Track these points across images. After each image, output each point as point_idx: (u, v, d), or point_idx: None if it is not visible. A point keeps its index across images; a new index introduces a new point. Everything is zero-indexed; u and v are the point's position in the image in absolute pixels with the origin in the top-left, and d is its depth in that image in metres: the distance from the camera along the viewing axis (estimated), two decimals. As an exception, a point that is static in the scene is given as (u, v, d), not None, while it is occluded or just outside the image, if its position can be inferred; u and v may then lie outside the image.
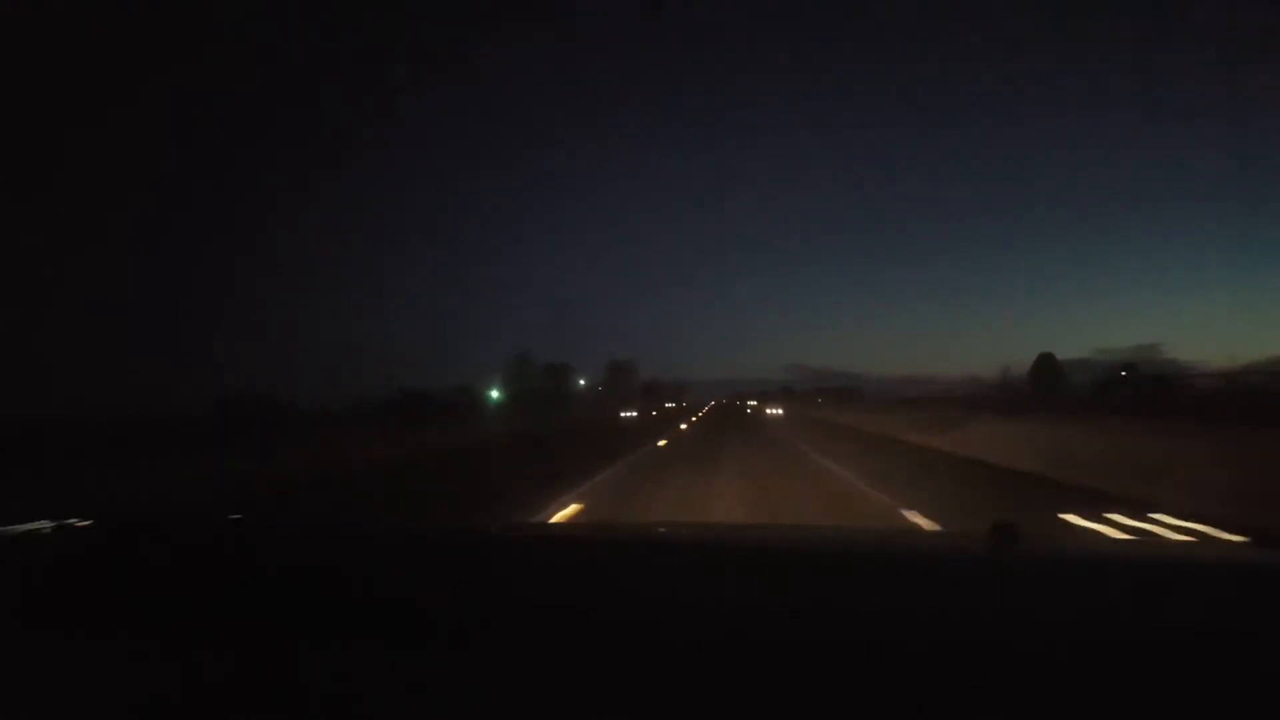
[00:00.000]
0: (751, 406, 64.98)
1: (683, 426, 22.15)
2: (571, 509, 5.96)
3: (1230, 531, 4.33)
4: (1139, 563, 0.92)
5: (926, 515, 5.04)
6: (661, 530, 1.46)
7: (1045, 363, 57.53)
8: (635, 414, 36.95)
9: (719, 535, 1.36)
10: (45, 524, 1.05)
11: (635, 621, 0.72)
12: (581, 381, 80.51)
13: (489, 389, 51.42)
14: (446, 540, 1.12)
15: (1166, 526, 4.61)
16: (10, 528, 1.05)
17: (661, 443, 14.39)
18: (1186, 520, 4.59)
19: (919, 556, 1.03)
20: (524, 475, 9.08)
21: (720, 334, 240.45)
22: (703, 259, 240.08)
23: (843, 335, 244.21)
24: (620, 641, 0.68)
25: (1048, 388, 51.01)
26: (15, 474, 7.48)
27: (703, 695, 0.61)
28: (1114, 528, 4.62)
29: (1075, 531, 4.63)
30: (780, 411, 36.60)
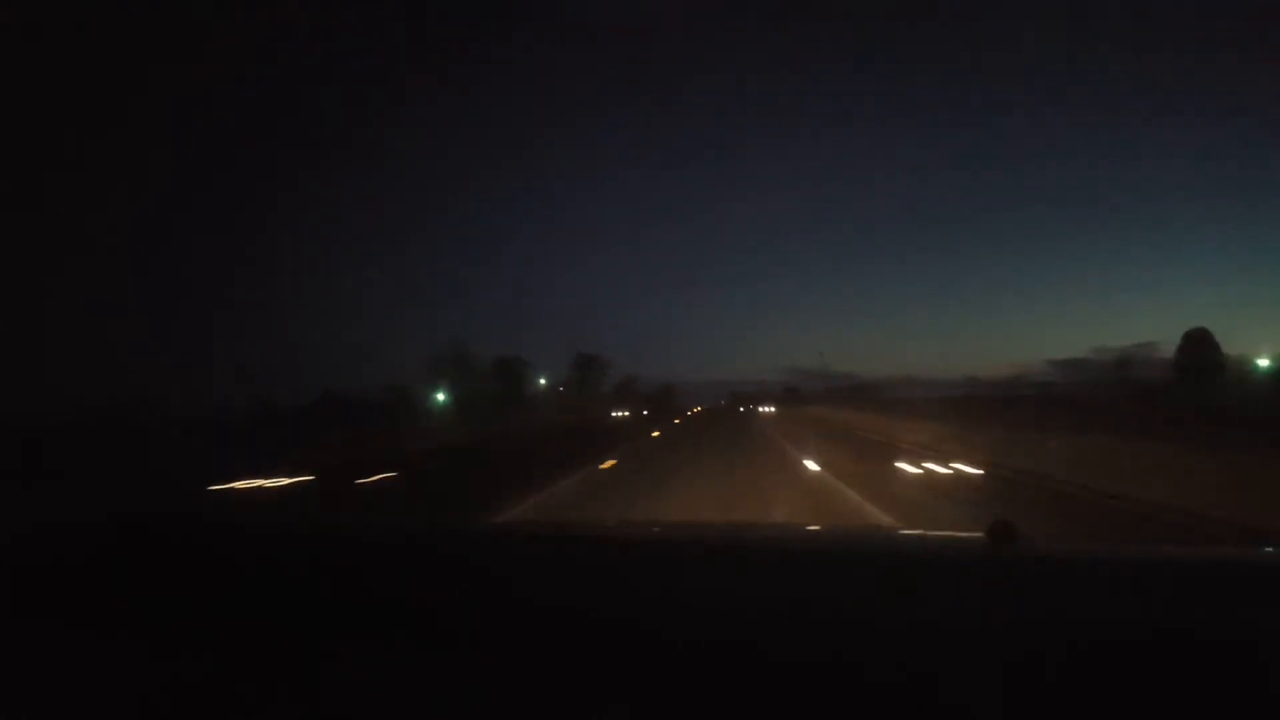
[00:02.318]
0: (768, 412, 39.65)
1: None
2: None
3: None
4: (1138, 563, 0.91)
5: None
6: (663, 530, 1.50)
7: (1199, 343, 37.31)
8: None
9: (720, 535, 1.36)
10: (44, 523, 1.05)
11: (636, 621, 0.72)
12: (542, 381, 62.16)
13: (427, 389, 40.37)
14: (446, 540, 1.12)
15: None
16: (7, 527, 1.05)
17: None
18: None
19: (919, 556, 1.02)
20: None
21: (713, 336, 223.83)
22: (692, 261, 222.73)
23: (836, 336, 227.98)
24: (621, 641, 0.69)
25: (1194, 381, 32.33)
26: None
27: (703, 695, 0.61)
28: None
29: None
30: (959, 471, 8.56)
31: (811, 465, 9.77)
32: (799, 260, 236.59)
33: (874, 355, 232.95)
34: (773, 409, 47.70)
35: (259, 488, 9.44)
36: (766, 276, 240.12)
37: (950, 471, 8.80)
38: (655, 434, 20.56)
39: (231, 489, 9.24)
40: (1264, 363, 36.94)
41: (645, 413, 48.08)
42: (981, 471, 8.56)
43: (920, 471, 8.88)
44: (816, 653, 0.65)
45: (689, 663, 0.65)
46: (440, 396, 39.97)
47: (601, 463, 11.15)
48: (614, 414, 42.58)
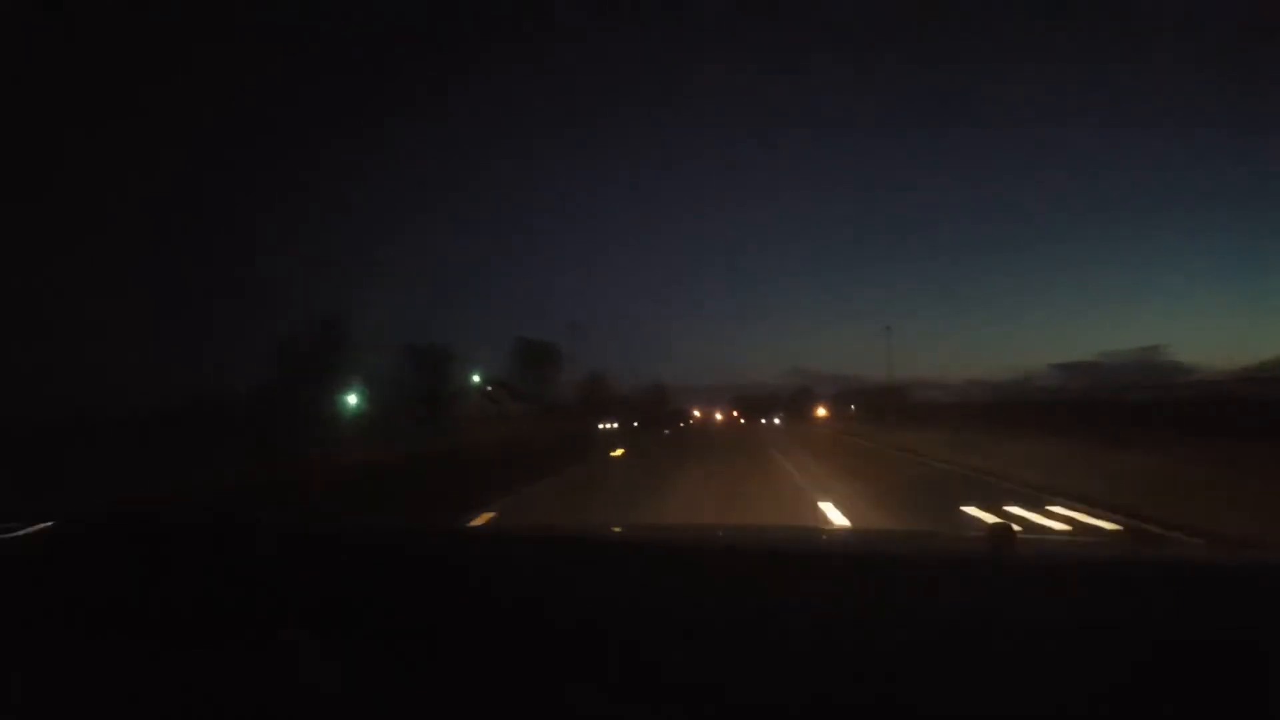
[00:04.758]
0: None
1: None
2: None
3: None
4: (1137, 563, 0.93)
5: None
6: (660, 532, 1.57)
7: None
8: None
9: (718, 536, 1.38)
10: (47, 522, 1.04)
11: (634, 622, 0.72)
12: (476, 378, 45.15)
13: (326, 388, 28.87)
14: (439, 541, 1.14)
15: None
16: (11, 526, 1.04)
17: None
18: None
19: (918, 557, 1.03)
20: None
21: (711, 339, 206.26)
22: (692, 263, 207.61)
23: (839, 339, 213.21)
24: (619, 643, 0.68)
25: None
26: None
27: (701, 694, 0.61)
28: None
29: None
30: None
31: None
32: (800, 263, 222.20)
33: (873, 359, 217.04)
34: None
35: None
36: (768, 279, 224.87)
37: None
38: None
39: None
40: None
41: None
42: None
43: None
44: (816, 653, 0.65)
45: (688, 663, 0.65)
46: (352, 399, 29.48)
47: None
48: None
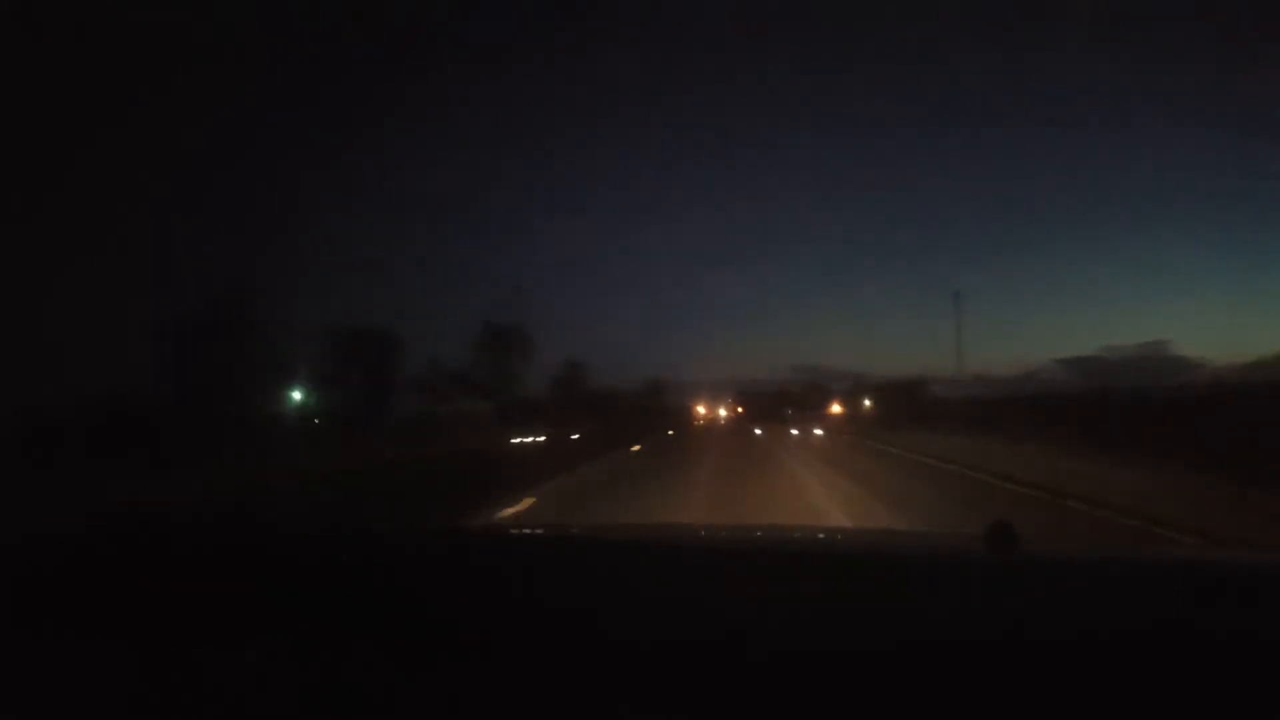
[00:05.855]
0: None
1: None
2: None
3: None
4: (1137, 564, 0.92)
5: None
6: (664, 531, 1.58)
7: None
8: None
9: (719, 537, 1.35)
10: (51, 523, 1.08)
11: (635, 623, 0.72)
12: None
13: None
14: (445, 542, 1.13)
15: None
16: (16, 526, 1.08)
17: None
18: None
19: (919, 557, 1.02)
20: None
21: (714, 335, 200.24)
22: (693, 260, 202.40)
23: (840, 334, 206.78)
24: (619, 643, 0.69)
25: None
26: None
27: (703, 696, 0.62)
28: None
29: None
30: None
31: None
32: (801, 260, 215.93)
33: (876, 354, 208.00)
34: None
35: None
36: (768, 278, 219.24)
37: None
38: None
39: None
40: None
41: None
42: None
43: None
44: (815, 652, 0.65)
45: (690, 664, 0.65)
46: (296, 395, 24.61)
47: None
48: None
